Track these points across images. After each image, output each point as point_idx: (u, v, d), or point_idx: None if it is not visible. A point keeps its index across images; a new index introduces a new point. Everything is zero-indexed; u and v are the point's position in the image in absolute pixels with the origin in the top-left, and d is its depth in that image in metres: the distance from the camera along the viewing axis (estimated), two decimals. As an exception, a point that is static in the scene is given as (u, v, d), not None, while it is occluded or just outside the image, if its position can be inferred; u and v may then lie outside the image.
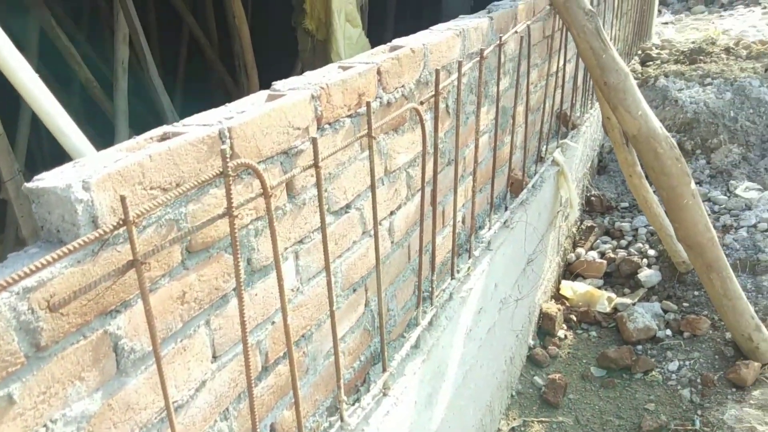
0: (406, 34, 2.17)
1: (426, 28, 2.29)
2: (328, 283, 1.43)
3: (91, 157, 0.98)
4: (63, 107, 1.91)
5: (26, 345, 0.85)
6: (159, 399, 1.10)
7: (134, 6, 4.83)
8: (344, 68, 1.68)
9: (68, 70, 5.56)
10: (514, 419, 3.17)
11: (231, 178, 1.04)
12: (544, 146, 3.66)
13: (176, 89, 7.27)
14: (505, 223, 2.95)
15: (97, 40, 6.56)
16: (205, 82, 7.49)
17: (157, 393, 1.10)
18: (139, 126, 6.34)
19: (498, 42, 2.35)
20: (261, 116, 1.26)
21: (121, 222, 0.88)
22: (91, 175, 0.91)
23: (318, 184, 1.32)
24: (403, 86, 1.88)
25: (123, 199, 0.86)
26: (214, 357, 1.24)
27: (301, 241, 1.49)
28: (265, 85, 1.52)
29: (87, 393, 0.96)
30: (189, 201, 1.11)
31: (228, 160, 1.01)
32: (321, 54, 5.43)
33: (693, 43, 6.88)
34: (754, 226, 4.12)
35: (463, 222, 2.62)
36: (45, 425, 0.90)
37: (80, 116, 6.44)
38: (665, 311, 3.79)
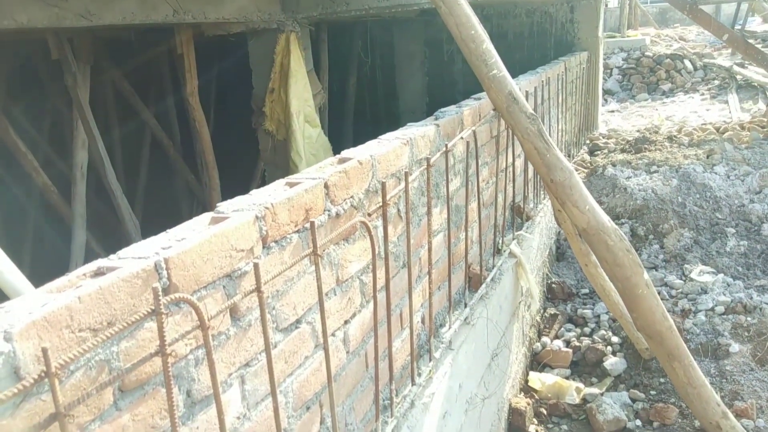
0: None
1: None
2: (275, 409, 1.39)
3: (17, 301, 0.96)
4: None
5: None
6: None
7: (97, 107, 4.92)
8: (291, 185, 1.71)
9: (26, 176, 5.54)
10: None
11: (165, 314, 1.03)
12: (500, 239, 3.73)
13: (138, 189, 7.29)
14: (465, 320, 2.94)
15: (58, 145, 6.60)
16: (169, 181, 7.54)
17: None
18: (99, 229, 6.28)
19: (445, 148, 2.43)
20: (201, 243, 1.26)
21: (42, 374, 0.85)
22: (14, 325, 0.89)
23: (261, 308, 1.31)
24: (351, 197, 1.92)
25: (45, 351, 0.83)
26: None
27: (247, 365, 1.46)
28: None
29: None
30: (122, 339, 1.08)
31: (160, 297, 0.99)
32: (282, 153, 5.56)
33: (638, 131, 7.25)
34: (712, 309, 4.19)
35: (423, 322, 2.61)
36: None
37: (39, 221, 6.36)
38: (633, 400, 3.75)
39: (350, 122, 7.84)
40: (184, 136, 7.21)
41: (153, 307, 1.00)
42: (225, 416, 1.20)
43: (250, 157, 6.61)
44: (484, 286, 3.21)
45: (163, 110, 7.39)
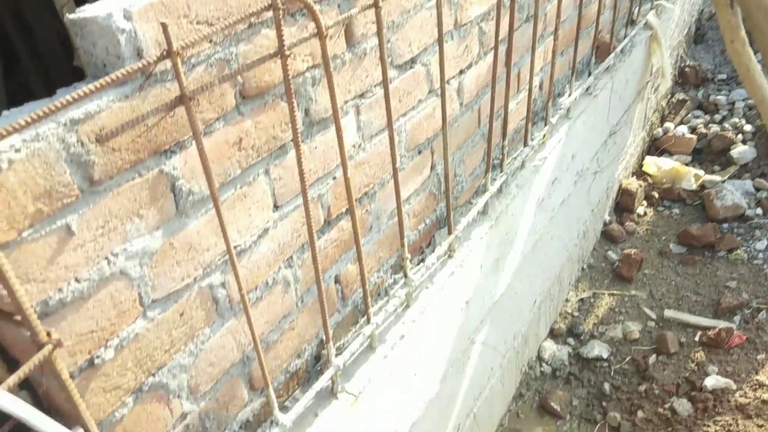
0: None
1: None
2: (390, 137, 1.37)
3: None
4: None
5: (79, 178, 0.85)
6: (221, 242, 1.12)
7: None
8: None
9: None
10: (584, 291, 3.14)
11: (282, 16, 0.97)
12: (637, 7, 3.31)
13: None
14: (587, 89, 2.74)
15: None
16: None
17: (219, 236, 1.11)
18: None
19: None
20: (315, -51, 1.15)
21: (165, 53, 0.83)
22: (132, 4, 0.86)
23: (378, 27, 1.23)
24: (476, -76, 1.68)
25: (164, 27, 0.81)
26: (276, 206, 1.24)
27: (362, 95, 1.42)
28: None
29: (147, 230, 0.98)
30: (240, 41, 1.05)
31: (276, -9, 0.93)
32: None
33: None
34: None
35: (540, 87, 2.45)
36: (106, 258, 0.93)
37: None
38: (757, 189, 3.53)
39: None
40: None
41: (270, 3, 0.94)
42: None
43: None
44: (612, 56, 2.92)
45: None
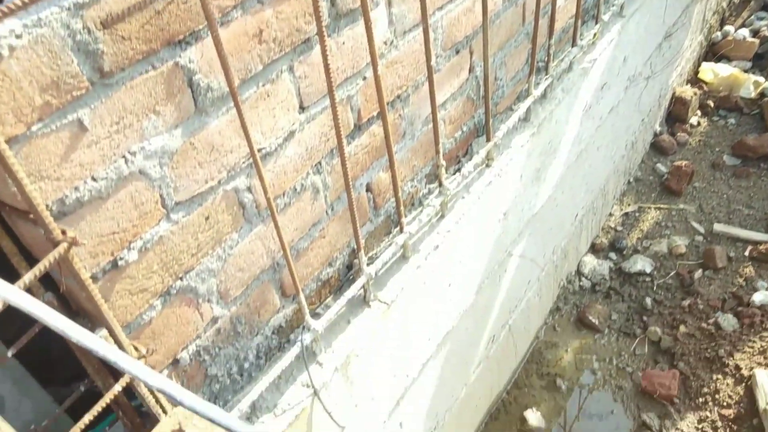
0: None
1: None
2: (425, 33, 1.26)
3: None
4: None
5: (88, 69, 0.79)
6: (245, 144, 1.06)
7: None
8: None
9: None
10: (629, 205, 3.03)
11: None
12: None
13: None
14: (642, -15, 2.52)
15: None
16: None
17: (242, 138, 1.05)
18: None
19: None
20: None
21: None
22: None
23: None
24: None
25: None
26: (302, 108, 1.17)
27: (394, -15, 1.30)
28: None
29: (165, 128, 0.92)
30: None
31: None
32: None
33: None
34: None
35: (591, -17, 2.26)
36: (123, 156, 0.88)
37: None
38: (826, 95, 3.27)
39: None
40: None
41: None
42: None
43: None
44: (671, -53, 2.66)
45: None
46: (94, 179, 0.86)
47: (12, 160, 0.68)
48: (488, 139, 1.67)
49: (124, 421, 1.06)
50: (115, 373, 0.98)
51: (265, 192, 1.02)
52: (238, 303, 1.18)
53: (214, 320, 1.14)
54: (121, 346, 0.87)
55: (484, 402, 2.27)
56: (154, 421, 0.97)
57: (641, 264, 2.71)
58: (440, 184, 1.53)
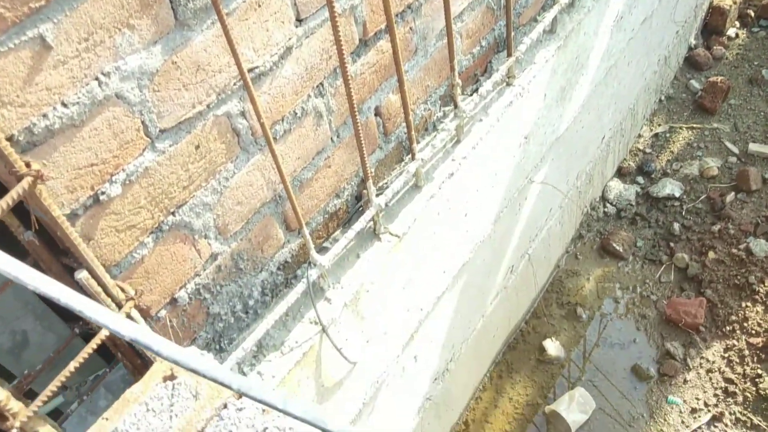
0: None
1: None
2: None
3: None
4: None
5: (41, -27, 0.68)
6: (234, 62, 0.95)
7: None
8: None
9: None
10: (659, 125, 2.86)
11: None
12: None
13: None
14: None
15: None
16: None
17: (231, 55, 0.94)
18: None
19: None
20: None
21: None
22: None
23: None
24: None
25: None
26: (299, 20, 1.05)
27: None
28: None
29: (142, 45, 0.82)
30: None
31: None
32: None
33: None
34: None
35: None
36: (96, 78, 0.78)
37: None
38: None
39: None
40: None
41: None
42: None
43: None
44: None
45: None
46: (64, 105, 0.77)
47: (-48, 82, 0.59)
48: (509, 54, 1.53)
49: (125, 362, 1.01)
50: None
51: (259, 117, 0.92)
52: (238, 238, 1.10)
53: (214, 257, 1.07)
54: (105, 288, 0.81)
55: (502, 332, 2.23)
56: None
57: (670, 188, 2.58)
58: (456, 106, 1.41)
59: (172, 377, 0.77)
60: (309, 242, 1.13)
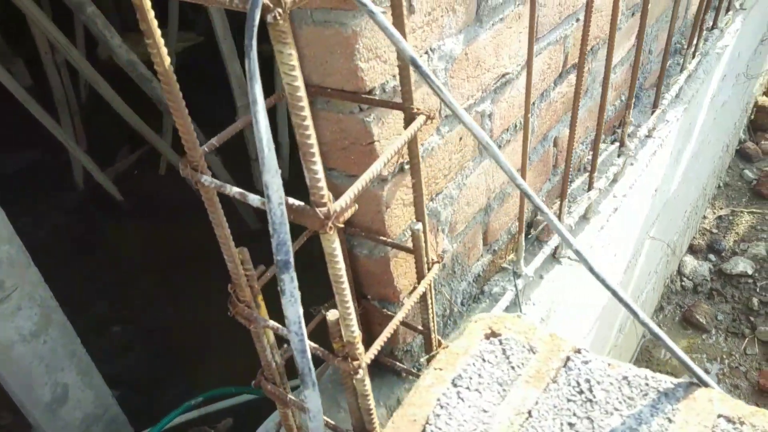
0: None
1: None
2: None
3: None
4: None
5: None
6: (499, 65, 1.02)
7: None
8: None
9: None
10: (721, 209, 2.98)
11: None
12: None
13: None
14: None
15: None
16: None
17: (498, 57, 1.01)
18: None
19: None
20: None
21: None
22: None
23: None
24: None
25: None
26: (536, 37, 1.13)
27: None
28: None
29: (455, 31, 0.89)
30: None
31: None
32: None
33: None
34: None
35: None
36: (427, 52, 0.84)
37: None
38: None
39: None
40: None
41: None
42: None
43: None
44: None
45: None
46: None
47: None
48: (655, 107, 1.64)
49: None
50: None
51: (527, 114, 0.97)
52: (458, 240, 1.12)
53: (443, 253, 1.08)
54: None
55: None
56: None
57: (743, 265, 2.65)
58: (622, 144, 1.48)
59: (494, 334, 0.77)
60: (522, 248, 1.16)
